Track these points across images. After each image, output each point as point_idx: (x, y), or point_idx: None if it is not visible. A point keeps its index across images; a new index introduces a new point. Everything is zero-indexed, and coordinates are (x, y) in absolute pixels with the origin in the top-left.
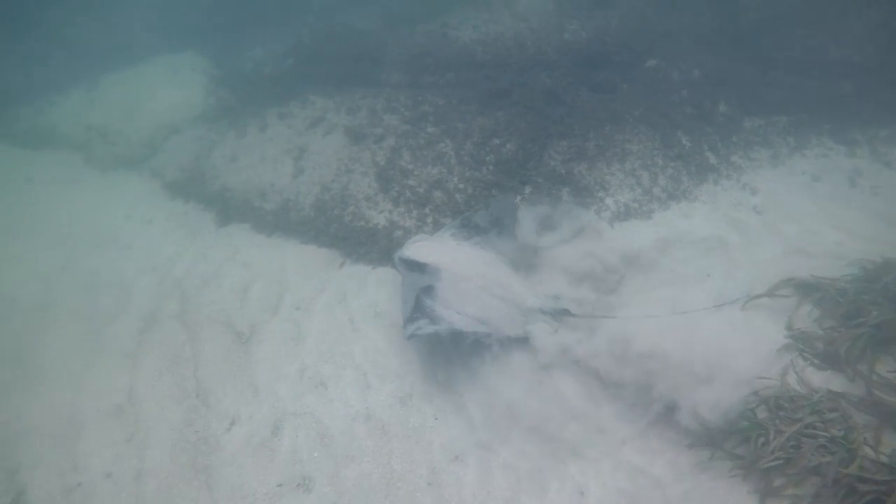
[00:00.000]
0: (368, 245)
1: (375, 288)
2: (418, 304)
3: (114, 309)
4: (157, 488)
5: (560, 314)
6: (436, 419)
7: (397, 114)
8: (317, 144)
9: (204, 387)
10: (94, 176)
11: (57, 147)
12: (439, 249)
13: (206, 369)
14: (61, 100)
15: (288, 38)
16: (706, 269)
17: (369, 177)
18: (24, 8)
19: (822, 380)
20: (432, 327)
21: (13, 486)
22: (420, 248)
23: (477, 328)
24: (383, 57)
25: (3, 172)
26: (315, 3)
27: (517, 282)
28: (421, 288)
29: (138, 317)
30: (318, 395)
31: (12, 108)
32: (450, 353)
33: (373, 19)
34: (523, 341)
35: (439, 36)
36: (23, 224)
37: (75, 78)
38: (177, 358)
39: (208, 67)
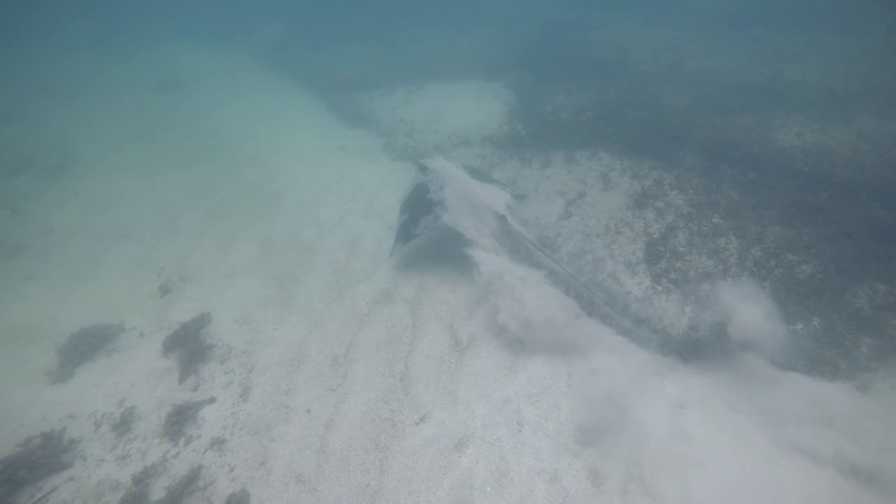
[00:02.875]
0: (614, 306)
1: (604, 356)
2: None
3: (361, 274)
4: (339, 443)
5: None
6: None
7: (685, 194)
8: (594, 196)
9: (410, 374)
10: (387, 160)
11: (369, 129)
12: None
13: (418, 360)
14: (386, 94)
15: (592, 94)
16: None
17: (637, 244)
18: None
19: None
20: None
21: (245, 375)
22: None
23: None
24: (685, 136)
25: (326, 138)
26: (629, 70)
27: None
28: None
29: (377, 288)
30: (512, 433)
31: (351, 93)
32: None
33: (683, 99)
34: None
35: (755, 133)
36: (323, 182)
37: (405, 80)
38: (396, 338)
39: (511, 100)
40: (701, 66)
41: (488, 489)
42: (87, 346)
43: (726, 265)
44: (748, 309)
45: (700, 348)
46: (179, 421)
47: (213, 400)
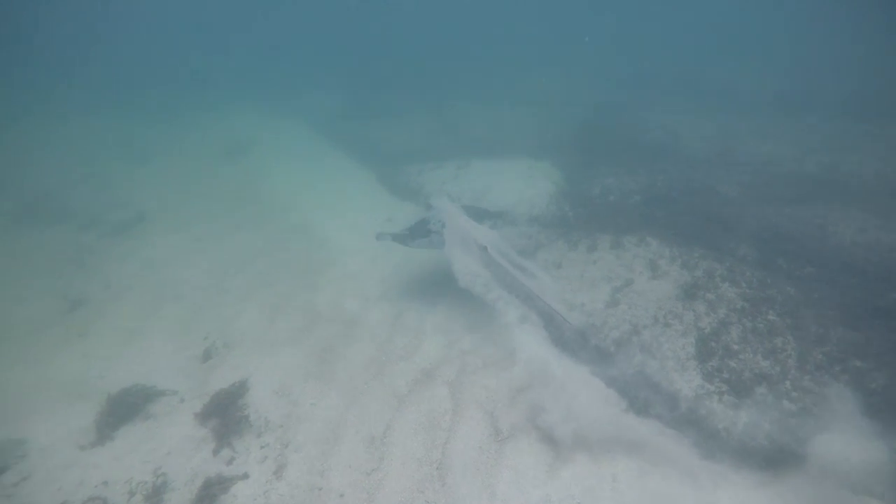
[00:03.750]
0: (660, 404)
1: (651, 458)
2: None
3: (402, 352)
4: None
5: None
6: None
7: (737, 287)
8: (642, 284)
9: (447, 463)
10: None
11: (417, 203)
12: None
13: (456, 447)
14: (435, 168)
15: (641, 178)
16: None
17: (687, 338)
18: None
19: None
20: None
21: (281, 451)
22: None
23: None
24: (737, 226)
25: (375, 209)
26: (678, 154)
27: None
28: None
29: (418, 368)
30: None
31: (401, 165)
32: None
33: (734, 186)
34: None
35: (812, 226)
36: (369, 254)
37: (454, 155)
38: (435, 423)
39: (558, 179)
40: (752, 153)
41: None
42: (128, 407)
43: (784, 367)
44: (816, 420)
45: (757, 458)
46: (210, 496)
47: (246, 476)
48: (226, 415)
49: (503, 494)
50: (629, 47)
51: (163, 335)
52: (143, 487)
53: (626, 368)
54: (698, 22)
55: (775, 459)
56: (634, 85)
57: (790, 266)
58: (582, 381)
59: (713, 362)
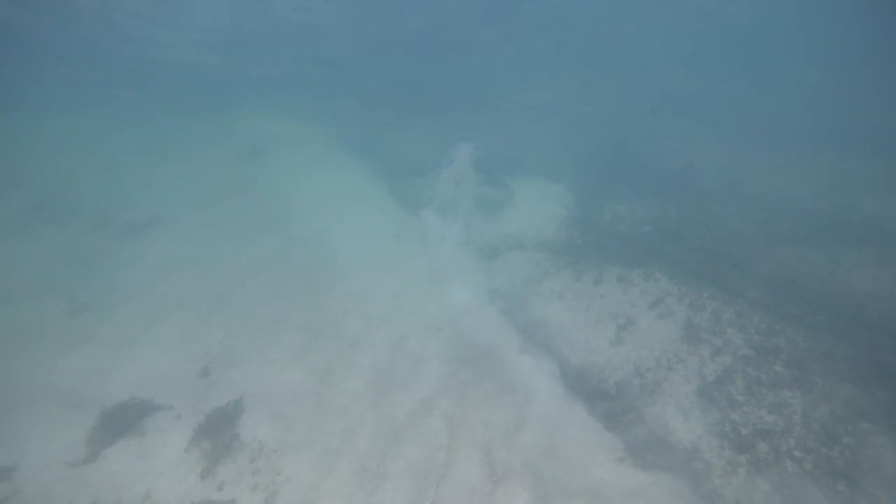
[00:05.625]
0: (657, 453)
1: None
2: None
3: (403, 380)
4: None
5: None
6: None
7: (744, 332)
8: (647, 323)
9: (439, 502)
10: (440, 253)
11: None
12: None
13: (449, 488)
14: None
15: (653, 208)
16: None
17: (690, 385)
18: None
19: None
20: None
21: (272, 479)
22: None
23: None
24: (748, 266)
25: (384, 222)
26: (692, 185)
27: None
28: None
29: (417, 398)
30: None
31: (411, 178)
32: None
33: (747, 223)
34: None
35: (825, 270)
36: (375, 271)
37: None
38: (430, 458)
39: (570, 203)
40: (767, 188)
41: None
42: (123, 422)
43: (789, 424)
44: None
45: None
46: None
47: (234, 503)
48: (220, 436)
49: None
50: (650, 66)
51: (164, 346)
52: None
53: (626, 413)
54: (720, 43)
55: None
56: (653, 107)
57: (800, 312)
58: (579, 423)
59: (715, 413)
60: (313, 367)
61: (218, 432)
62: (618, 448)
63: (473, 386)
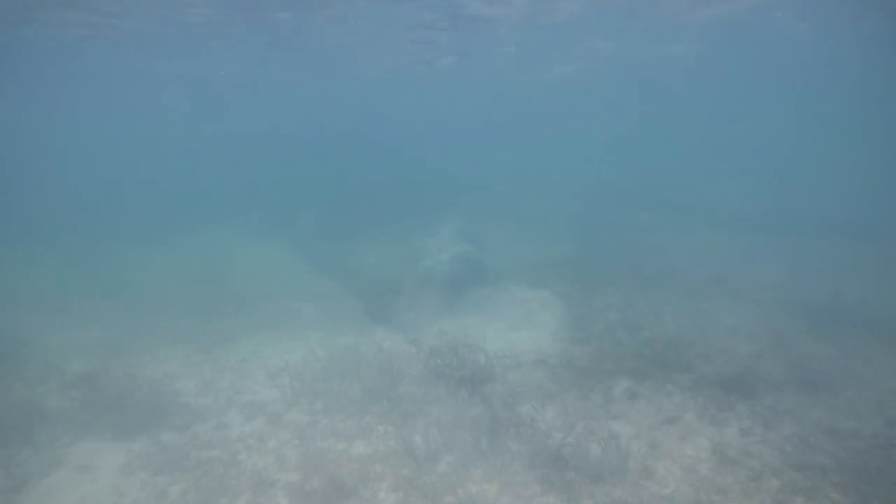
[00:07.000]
0: None
1: None
2: None
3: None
4: None
5: None
6: None
7: (779, 450)
8: (669, 446)
9: None
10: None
11: (410, 343)
12: None
13: None
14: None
15: (647, 313)
16: None
17: None
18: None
19: None
20: None
21: None
22: None
23: None
24: (763, 371)
25: (360, 345)
26: (676, 280)
27: None
28: None
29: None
30: None
31: (390, 297)
32: None
33: (749, 321)
34: None
35: (840, 368)
36: None
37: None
38: None
39: (559, 312)
40: (749, 279)
41: None
42: None
43: None
44: None
45: None
46: None
47: None
48: None
49: None
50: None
51: None
52: None
53: None
54: (680, 136)
55: None
56: (619, 200)
57: (829, 419)
58: None
59: None
60: None
61: None
62: None
63: None
